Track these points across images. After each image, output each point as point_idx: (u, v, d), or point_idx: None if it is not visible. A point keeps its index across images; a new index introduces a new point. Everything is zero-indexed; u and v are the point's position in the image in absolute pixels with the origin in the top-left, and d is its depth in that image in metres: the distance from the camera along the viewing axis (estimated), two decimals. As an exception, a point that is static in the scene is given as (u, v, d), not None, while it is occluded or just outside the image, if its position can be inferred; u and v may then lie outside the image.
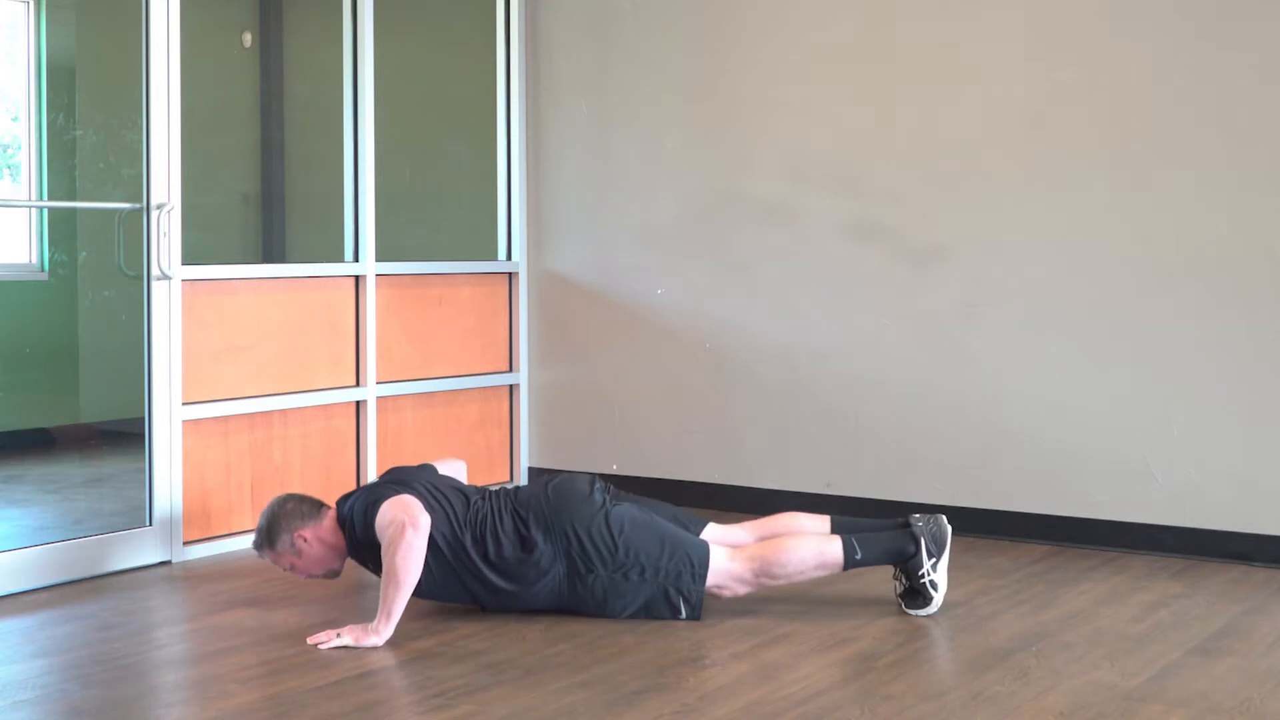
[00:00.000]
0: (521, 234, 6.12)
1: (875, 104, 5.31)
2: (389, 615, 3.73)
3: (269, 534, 4.11)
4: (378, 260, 5.48)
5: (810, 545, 4.02)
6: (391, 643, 3.72)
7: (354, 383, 5.41)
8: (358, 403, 5.39)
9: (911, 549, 4.02)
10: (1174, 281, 4.78)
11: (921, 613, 4.02)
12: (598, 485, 4.11)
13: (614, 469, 5.84)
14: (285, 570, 4.18)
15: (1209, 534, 4.73)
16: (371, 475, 5.41)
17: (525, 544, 3.98)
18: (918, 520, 4.07)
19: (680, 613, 3.98)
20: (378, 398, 5.44)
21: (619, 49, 5.90)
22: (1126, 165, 4.85)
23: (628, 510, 4.04)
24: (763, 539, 4.13)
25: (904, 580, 4.08)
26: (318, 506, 4.16)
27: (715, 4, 5.66)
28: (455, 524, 4.00)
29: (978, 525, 5.06)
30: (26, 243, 5.85)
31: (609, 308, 5.94)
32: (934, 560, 4.02)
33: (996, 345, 5.09)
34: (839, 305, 5.40)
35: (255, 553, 4.20)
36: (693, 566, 3.98)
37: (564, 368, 6.03)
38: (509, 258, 6.13)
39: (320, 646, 3.71)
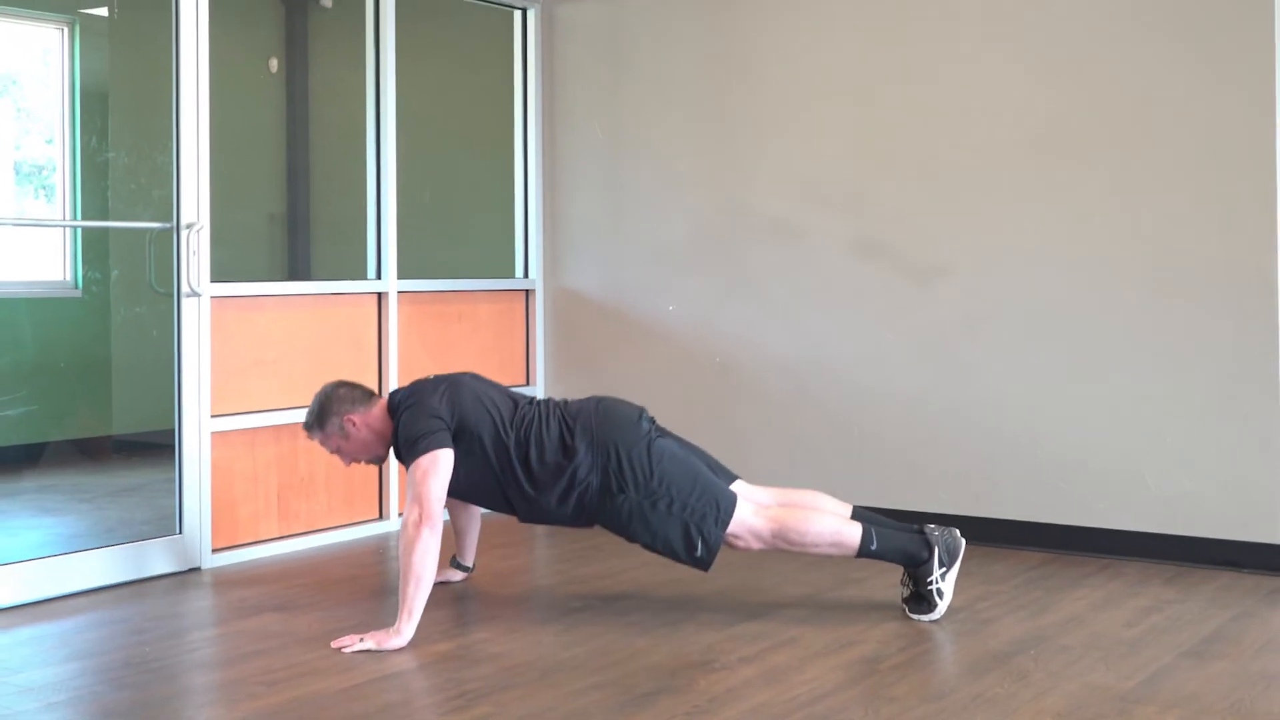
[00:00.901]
0: (538, 252, 6.17)
1: (880, 125, 5.36)
2: (410, 613, 3.79)
3: (320, 416, 4.19)
4: (399, 278, 5.53)
5: (831, 522, 4.06)
6: (411, 646, 3.77)
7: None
8: (379, 415, 5.46)
9: (924, 555, 4.05)
10: (1167, 297, 4.80)
11: (924, 618, 4.06)
12: (645, 415, 4.20)
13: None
14: (331, 452, 4.26)
15: (1201, 541, 4.75)
16: (393, 484, 5.46)
17: (567, 451, 4.06)
18: (933, 530, 4.10)
19: (696, 550, 4.02)
20: (398, 411, 5.51)
21: (632, 74, 5.96)
22: (1122, 183, 4.88)
23: (669, 445, 4.13)
24: (785, 505, 4.18)
25: (910, 585, 4.11)
26: (369, 395, 4.23)
27: (725, 31, 5.72)
28: (501, 427, 4.10)
29: (978, 533, 5.05)
30: (61, 261, 5.86)
31: (622, 323, 6.00)
32: (944, 570, 4.06)
33: (996, 358, 5.12)
34: (844, 320, 5.45)
35: (306, 433, 4.27)
36: (718, 511, 4.02)
37: (579, 381, 6.06)
38: (526, 275, 6.19)
39: (344, 650, 3.75)
